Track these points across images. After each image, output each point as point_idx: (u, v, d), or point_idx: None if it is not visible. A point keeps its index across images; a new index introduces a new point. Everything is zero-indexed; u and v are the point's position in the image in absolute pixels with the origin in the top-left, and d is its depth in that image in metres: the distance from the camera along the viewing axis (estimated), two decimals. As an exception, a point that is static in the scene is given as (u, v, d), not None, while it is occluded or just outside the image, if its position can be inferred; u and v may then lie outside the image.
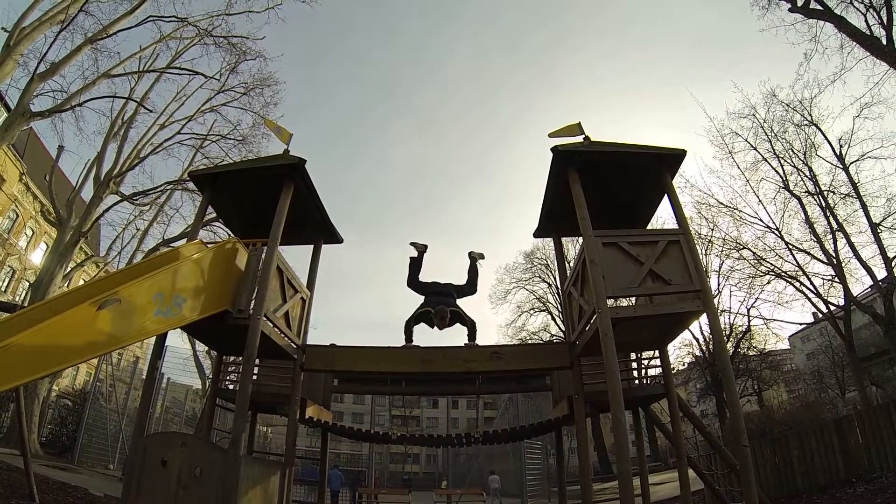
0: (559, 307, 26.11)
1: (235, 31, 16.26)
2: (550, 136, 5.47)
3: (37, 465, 7.53)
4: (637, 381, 6.68)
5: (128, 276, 4.60)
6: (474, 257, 7.17)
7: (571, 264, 6.90)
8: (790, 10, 14.80)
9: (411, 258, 7.04)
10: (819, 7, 13.89)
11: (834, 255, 16.74)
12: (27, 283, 25.59)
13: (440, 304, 6.45)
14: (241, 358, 5.55)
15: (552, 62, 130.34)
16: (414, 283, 6.94)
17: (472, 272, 7.11)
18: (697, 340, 22.05)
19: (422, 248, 7.04)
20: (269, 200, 5.49)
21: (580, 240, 5.33)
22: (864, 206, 16.44)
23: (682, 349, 24.22)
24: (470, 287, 7.01)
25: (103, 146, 15.74)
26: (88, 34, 13.14)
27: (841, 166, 17.06)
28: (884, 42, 12.46)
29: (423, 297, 6.74)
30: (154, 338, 5.37)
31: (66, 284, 15.06)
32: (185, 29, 15.44)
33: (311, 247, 6.96)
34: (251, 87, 17.78)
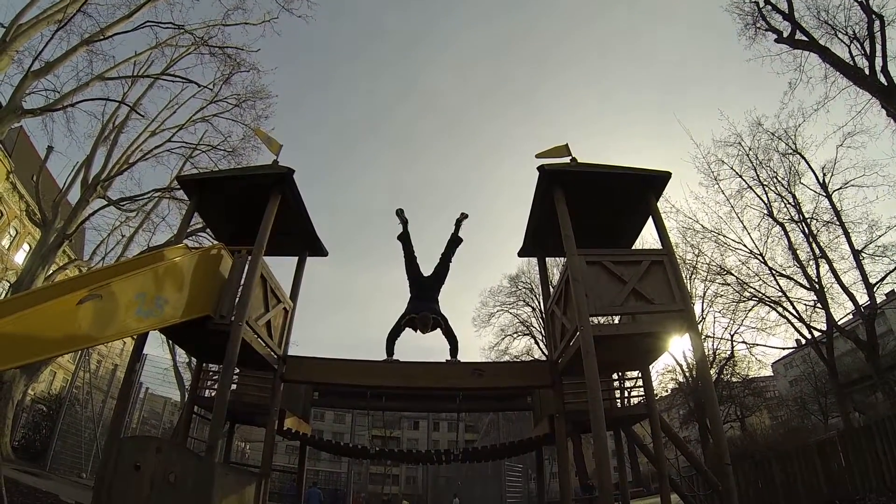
0: (542, 331, 25.99)
1: (231, 41, 16.28)
2: (537, 156, 5.52)
3: (7, 468, 7.31)
4: (619, 403, 6.69)
5: (110, 273, 4.57)
6: (459, 219, 7.14)
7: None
8: (776, 41, 15.27)
9: (398, 236, 7.02)
10: (804, 38, 14.32)
11: (817, 280, 16.89)
12: (7, 283, 25.08)
13: (423, 309, 6.49)
14: (220, 366, 5.49)
15: (533, 86, 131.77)
16: (410, 260, 6.91)
17: (451, 243, 7.06)
18: (680, 366, 22.04)
19: (404, 220, 6.99)
20: (257, 210, 5.47)
21: (564, 260, 5.36)
22: (846, 234, 16.65)
23: (665, 375, 24.13)
24: (444, 262, 6.97)
25: (93, 149, 15.54)
26: (85, 35, 13.05)
27: (824, 194, 17.29)
28: (867, 72, 12.81)
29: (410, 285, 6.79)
30: (134, 339, 5.34)
31: (47, 287, 14.74)
32: (182, 37, 15.42)
33: (296, 259, 6.97)
34: (243, 99, 17.65)
